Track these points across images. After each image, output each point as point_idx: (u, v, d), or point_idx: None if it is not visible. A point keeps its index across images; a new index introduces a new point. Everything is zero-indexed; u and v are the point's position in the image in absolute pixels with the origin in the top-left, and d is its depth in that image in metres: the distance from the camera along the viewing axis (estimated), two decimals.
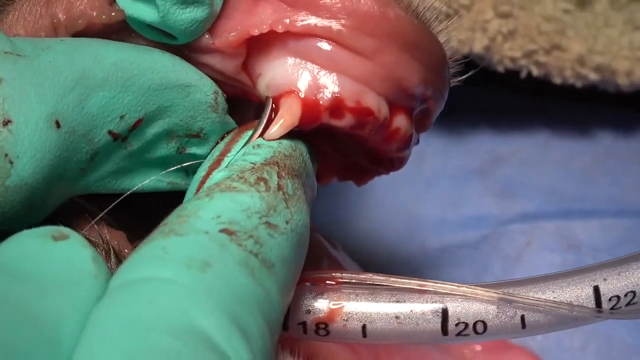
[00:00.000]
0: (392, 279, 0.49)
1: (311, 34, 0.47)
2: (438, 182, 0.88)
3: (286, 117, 0.47)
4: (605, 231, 0.85)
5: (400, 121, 0.50)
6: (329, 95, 0.47)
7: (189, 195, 0.47)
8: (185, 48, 0.49)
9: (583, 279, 0.48)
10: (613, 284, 0.48)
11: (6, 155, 0.42)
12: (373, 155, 0.54)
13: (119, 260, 0.48)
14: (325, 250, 0.62)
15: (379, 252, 0.84)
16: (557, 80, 0.82)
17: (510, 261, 0.83)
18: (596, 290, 0.48)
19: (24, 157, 0.42)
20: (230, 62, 0.49)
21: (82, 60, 0.45)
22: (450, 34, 0.53)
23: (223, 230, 0.40)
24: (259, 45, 0.48)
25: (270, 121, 0.48)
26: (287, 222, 0.43)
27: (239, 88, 0.51)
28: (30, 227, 0.40)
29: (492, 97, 0.91)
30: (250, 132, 0.49)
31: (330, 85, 0.47)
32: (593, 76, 0.82)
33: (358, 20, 0.47)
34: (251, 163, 0.45)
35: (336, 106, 0.48)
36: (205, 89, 0.48)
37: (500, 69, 0.81)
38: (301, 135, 0.49)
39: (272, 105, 0.48)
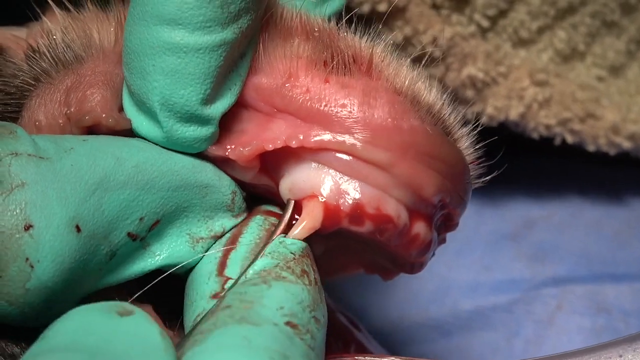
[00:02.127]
0: None
1: (325, 148, 0.47)
2: (471, 247, 0.88)
3: (308, 221, 0.47)
4: (636, 295, 0.85)
5: (420, 228, 0.50)
6: (350, 202, 0.47)
7: (202, 271, 0.47)
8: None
9: (600, 356, 0.49)
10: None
11: (27, 259, 0.42)
12: (393, 258, 0.54)
13: None
14: (353, 336, 0.62)
15: (412, 315, 0.84)
16: (590, 147, 0.83)
17: (542, 324, 0.83)
18: None
19: (44, 262, 0.42)
20: (245, 173, 0.49)
21: (104, 162, 0.45)
22: (472, 138, 0.53)
23: (287, 323, 0.41)
24: (277, 154, 0.48)
25: (291, 222, 0.48)
26: (323, 316, 0.44)
27: (261, 188, 0.51)
28: (47, 323, 0.41)
29: (525, 162, 0.92)
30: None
31: (351, 191, 0.48)
32: (627, 144, 0.82)
33: (372, 134, 0.47)
34: (292, 253, 0.46)
35: (357, 212, 0.48)
36: (223, 189, 0.49)
37: (535, 135, 0.82)
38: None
39: (293, 208, 0.48)
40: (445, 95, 0.51)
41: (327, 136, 0.47)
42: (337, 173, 0.48)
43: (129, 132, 0.48)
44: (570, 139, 0.82)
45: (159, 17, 0.44)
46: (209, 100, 0.46)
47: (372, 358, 0.50)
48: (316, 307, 0.43)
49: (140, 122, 0.47)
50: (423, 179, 0.48)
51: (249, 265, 0.45)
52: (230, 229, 0.49)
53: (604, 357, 0.48)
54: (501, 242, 0.89)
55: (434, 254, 0.55)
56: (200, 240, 0.48)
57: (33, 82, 0.50)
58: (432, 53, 0.76)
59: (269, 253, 0.46)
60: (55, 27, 0.51)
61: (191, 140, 0.47)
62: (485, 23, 0.80)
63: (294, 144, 0.47)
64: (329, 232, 0.48)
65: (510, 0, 0.81)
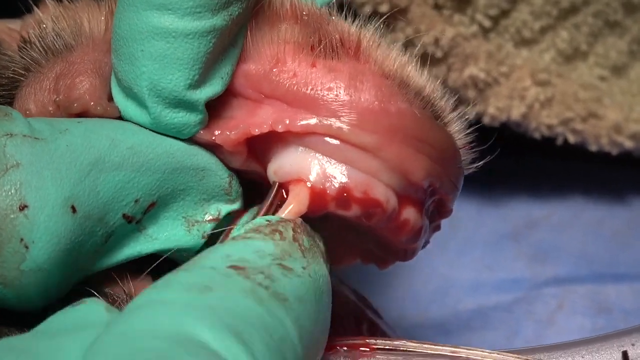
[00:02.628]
0: (426, 345, 0.49)
1: (312, 132, 0.47)
2: (472, 246, 0.88)
3: (294, 205, 0.47)
4: (637, 295, 0.85)
5: (409, 213, 0.50)
6: (337, 185, 0.47)
7: None
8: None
9: (612, 344, 0.49)
10: None
11: (22, 239, 0.42)
12: (385, 245, 0.54)
13: None
14: (364, 314, 0.62)
15: (412, 314, 0.84)
16: (592, 147, 0.83)
17: (542, 324, 0.83)
18: (625, 355, 0.48)
19: (39, 242, 0.42)
20: (233, 158, 0.49)
21: (98, 143, 0.45)
22: (465, 121, 0.52)
23: (231, 267, 0.40)
24: (264, 139, 0.48)
25: (273, 205, 0.48)
26: (304, 268, 0.43)
27: (252, 173, 0.51)
28: (46, 308, 0.42)
29: (526, 161, 0.92)
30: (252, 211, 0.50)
31: (338, 175, 0.47)
32: (629, 144, 0.82)
33: (358, 117, 0.47)
34: (267, 220, 0.46)
35: (343, 197, 0.47)
36: (220, 172, 0.49)
37: (537, 135, 0.82)
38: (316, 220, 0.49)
39: (277, 191, 0.48)
40: (437, 82, 0.51)
41: (313, 120, 0.47)
42: (324, 157, 0.47)
43: (119, 119, 0.48)
44: (572, 138, 0.82)
45: (149, 2, 0.44)
46: (197, 85, 0.46)
47: (384, 341, 0.49)
48: (287, 258, 0.42)
49: (128, 109, 0.47)
50: (411, 162, 0.48)
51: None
52: (227, 214, 0.49)
53: (616, 344, 0.49)
54: (502, 242, 0.89)
55: (428, 241, 0.55)
56: (196, 224, 0.48)
57: (24, 72, 0.50)
58: (434, 53, 0.76)
59: (242, 227, 0.46)
60: (46, 17, 0.51)
61: (179, 126, 0.47)
62: (487, 23, 0.80)
63: (280, 128, 0.47)
64: (318, 217, 0.48)
65: (512, 0, 0.80)
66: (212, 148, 0.48)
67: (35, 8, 0.53)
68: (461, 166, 0.52)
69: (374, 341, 0.49)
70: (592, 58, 0.85)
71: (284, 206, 0.47)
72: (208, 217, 0.49)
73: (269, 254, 0.42)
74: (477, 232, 0.89)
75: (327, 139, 0.47)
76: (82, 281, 0.46)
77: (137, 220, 0.46)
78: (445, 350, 0.49)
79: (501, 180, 0.90)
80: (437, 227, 0.55)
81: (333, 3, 0.52)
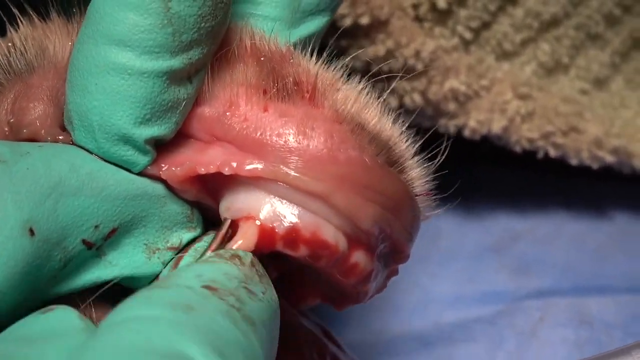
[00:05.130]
0: None
1: (259, 177, 0.46)
2: (454, 259, 0.88)
3: (243, 241, 0.47)
4: (619, 308, 0.85)
5: (359, 257, 0.49)
6: (286, 225, 0.46)
7: None
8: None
9: None
10: None
11: None
12: (338, 286, 0.53)
13: None
14: (327, 348, 0.62)
15: (394, 327, 0.84)
16: (573, 161, 0.83)
17: (524, 336, 0.83)
18: None
19: None
20: (183, 193, 0.48)
21: (58, 167, 0.44)
22: (428, 169, 0.51)
23: (205, 287, 0.41)
24: (215, 177, 0.48)
25: (224, 242, 0.47)
26: (263, 293, 0.43)
27: (206, 209, 0.50)
28: None
29: (508, 175, 0.92)
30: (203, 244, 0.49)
31: (288, 215, 0.47)
32: (609, 158, 0.82)
33: (305, 165, 0.46)
34: (223, 250, 0.46)
35: (292, 236, 0.47)
36: (181, 199, 0.48)
37: (518, 149, 0.81)
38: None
39: (227, 228, 0.47)
40: (398, 122, 0.50)
41: (260, 165, 0.46)
42: (275, 197, 0.47)
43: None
44: (553, 152, 0.82)
45: (109, 37, 0.44)
46: (146, 125, 0.45)
47: None
48: (250, 282, 0.43)
49: (80, 139, 0.46)
50: (359, 210, 0.47)
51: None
52: (188, 242, 0.49)
53: None
54: (484, 254, 0.89)
55: (386, 285, 0.54)
56: (157, 251, 0.48)
57: None
58: (415, 66, 0.76)
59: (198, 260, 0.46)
60: (17, 35, 0.51)
61: (128, 163, 0.46)
62: (468, 35, 0.80)
63: (226, 170, 0.46)
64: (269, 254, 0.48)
65: (493, 12, 0.81)
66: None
67: (8, 26, 0.53)
68: (416, 214, 0.51)
69: None
70: (574, 71, 0.86)
71: (231, 242, 0.47)
72: (169, 244, 0.48)
73: (235, 277, 0.42)
74: (459, 244, 0.89)
75: (276, 183, 0.46)
76: (40, 307, 0.45)
77: (97, 247, 0.46)
78: None
79: (483, 193, 0.90)
80: (395, 272, 0.54)
81: (312, 39, 0.52)
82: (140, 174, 0.47)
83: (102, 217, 0.45)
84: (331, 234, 0.47)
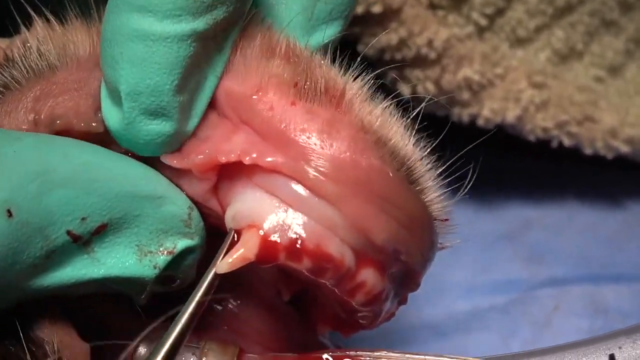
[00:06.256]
0: (407, 355, 0.48)
1: (277, 171, 0.45)
2: (467, 247, 0.87)
3: (243, 251, 0.45)
4: (634, 296, 0.85)
5: (367, 275, 0.47)
6: (289, 235, 0.45)
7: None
8: (161, 167, 0.48)
9: (599, 347, 0.48)
10: (628, 352, 0.48)
11: None
12: (346, 309, 0.51)
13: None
14: None
15: (407, 316, 0.84)
16: (588, 150, 0.82)
17: (538, 326, 0.83)
18: (612, 358, 0.48)
19: None
20: (199, 186, 0.47)
21: (49, 155, 0.44)
22: (442, 195, 0.50)
23: None
24: (229, 172, 0.47)
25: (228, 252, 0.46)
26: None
27: (213, 216, 0.49)
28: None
29: (521, 163, 0.92)
30: None
31: (293, 225, 0.45)
32: (624, 148, 0.82)
33: (325, 164, 0.45)
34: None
35: (295, 247, 0.45)
36: (179, 202, 0.47)
37: (532, 138, 0.81)
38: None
39: (232, 238, 0.46)
40: (420, 146, 0.49)
41: (281, 159, 0.45)
42: (282, 204, 0.46)
43: (102, 139, 0.47)
44: (567, 142, 0.81)
45: (130, 4, 0.43)
46: (176, 92, 0.44)
47: (364, 352, 0.48)
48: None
49: (111, 114, 0.46)
50: (374, 222, 0.45)
51: None
52: (184, 249, 0.48)
53: (603, 347, 0.48)
54: (498, 243, 0.88)
55: (394, 314, 0.52)
56: (149, 254, 0.47)
57: (2, 90, 0.50)
58: (428, 55, 0.76)
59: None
60: (32, 37, 0.51)
61: (152, 135, 0.45)
62: (483, 21, 0.80)
63: (247, 160, 0.45)
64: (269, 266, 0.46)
65: None
66: (175, 175, 0.47)
67: (23, 28, 0.53)
68: (434, 239, 0.49)
69: (354, 352, 0.48)
70: (588, 58, 0.85)
71: (232, 251, 0.45)
72: (162, 249, 0.47)
73: None
74: (472, 233, 0.88)
75: (291, 183, 0.45)
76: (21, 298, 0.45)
77: (84, 241, 0.45)
78: (429, 359, 0.48)
79: (496, 182, 0.90)
80: (404, 300, 0.52)
81: (329, 46, 0.51)
82: (156, 159, 0.47)
83: (90, 210, 0.44)
84: (336, 246, 0.45)
